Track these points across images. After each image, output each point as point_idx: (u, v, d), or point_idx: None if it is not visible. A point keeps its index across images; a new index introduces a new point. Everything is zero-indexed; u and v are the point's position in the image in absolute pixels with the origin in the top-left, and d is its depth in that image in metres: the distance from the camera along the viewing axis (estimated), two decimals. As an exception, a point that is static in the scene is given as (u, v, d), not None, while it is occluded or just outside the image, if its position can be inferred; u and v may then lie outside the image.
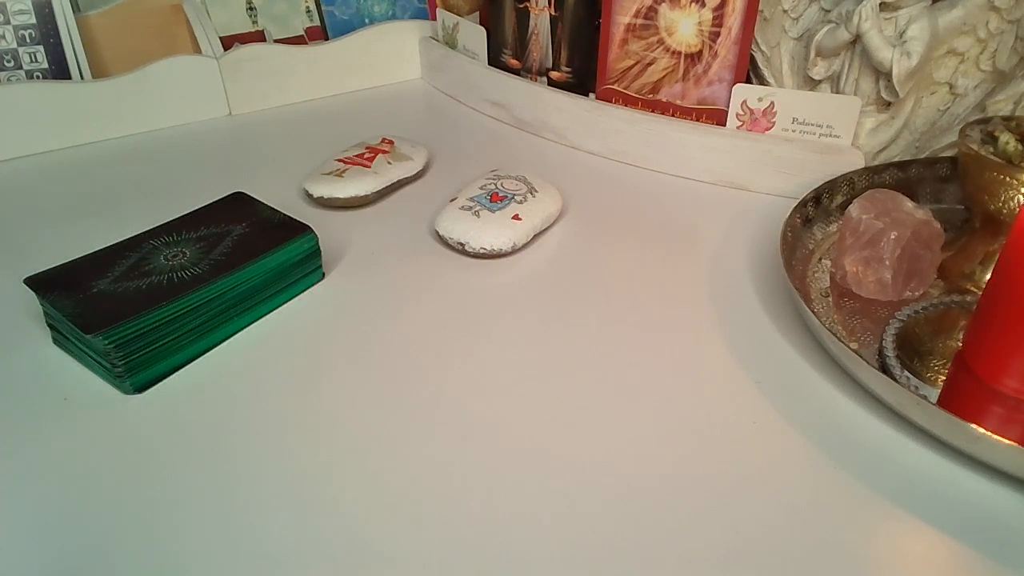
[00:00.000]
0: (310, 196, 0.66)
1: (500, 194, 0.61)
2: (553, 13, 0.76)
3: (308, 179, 0.67)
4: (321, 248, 0.57)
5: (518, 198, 0.61)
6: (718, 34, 0.67)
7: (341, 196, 0.65)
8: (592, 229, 0.64)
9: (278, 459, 0.43)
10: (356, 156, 0.69)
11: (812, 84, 0.67)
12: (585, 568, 0.37)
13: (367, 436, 0.44)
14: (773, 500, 0.40)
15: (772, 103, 0.66)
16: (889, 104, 0.64)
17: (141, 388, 0.47)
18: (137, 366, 0.47)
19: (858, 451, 0.43)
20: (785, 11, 0.67)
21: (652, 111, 0.73)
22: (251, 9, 0.88)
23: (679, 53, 0.70)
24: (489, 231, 0.58)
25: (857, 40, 0.62)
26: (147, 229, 0.55)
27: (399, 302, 0.55)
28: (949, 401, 0.45)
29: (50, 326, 0.51)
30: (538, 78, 0.80)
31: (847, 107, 0.64)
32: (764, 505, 0.40)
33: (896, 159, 0.66)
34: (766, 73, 0.69)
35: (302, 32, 0.91)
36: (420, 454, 0.43)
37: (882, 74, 0.62)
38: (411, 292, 0.56)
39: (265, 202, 0.59)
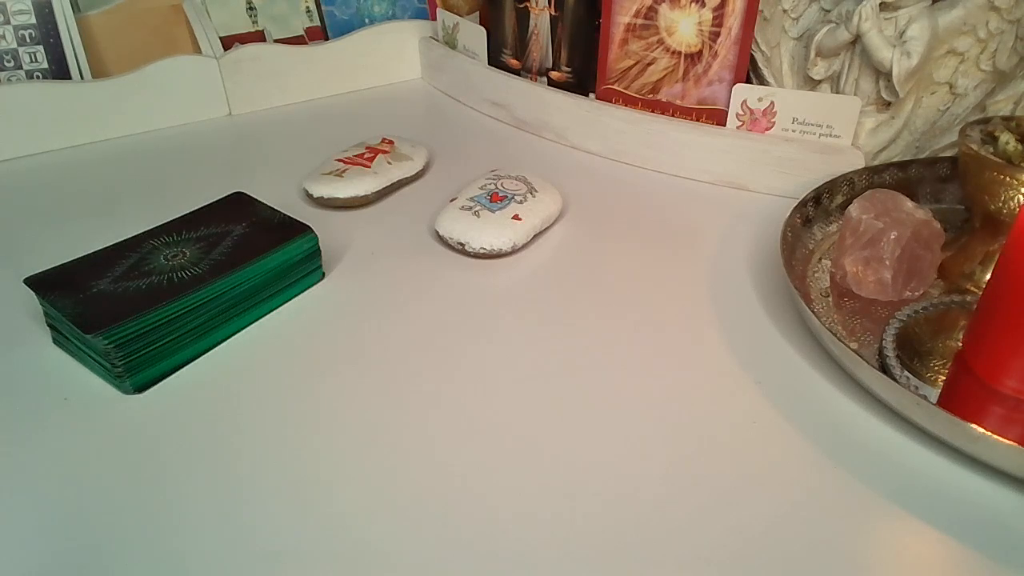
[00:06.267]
0: (310, 196, 0.66)
1: (500, 194, 0.61)
2: (553, 13, 0.76)
3: (308, 179, 0.67)
4: (321, 248, 0.57)
5: (518, 198, 0.61)
6: (718, 34, 0.67)
7: (341, 196, 0.65)
8: (592, 229, 0.64)
9: (278, 459, 0.43)
10: (356, 156, 0.69)
11: (812, 84, 0.67)
12: (585, 568, 0.37)
13: (367, 436, 0.44)
14: (773, 500, 0.40)
15: (772, 103, 0.66)
16: (889, 104, 0.64)
17: (141, 388, 0.47)
18: (137, 366, 0.47)
19: (858, 451, 0.43)
20: (785, 11, 0.67)
21: (652, 111, 0.73)
22: (251, 9, 0.88)
23: (679, 53, 0.70)
24: (489, 231, 0.58)
25: (857, 40, 0.62)
26: (147, 229, 0.55)
27: (399, 302, 0.55)
28: (949, 401, 0.45)
29: (50, 326, 0.51)
30: (538, 78, 0.80)
31: (847, 107, 0.64)
32: (764, 505, 0.40)
33: (896, 159, 0.66)
34: (766, 73, 0.69)
35: (302, 32, 0.91)
36: (420, 454, 0.43)
37: (882, 74, 0.62)
38: (411, 292, 0.56)
39: (265, 202, 0.59)
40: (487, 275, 0.58)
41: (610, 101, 0.75)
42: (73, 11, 0.80)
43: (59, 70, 0.79)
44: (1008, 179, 0.50)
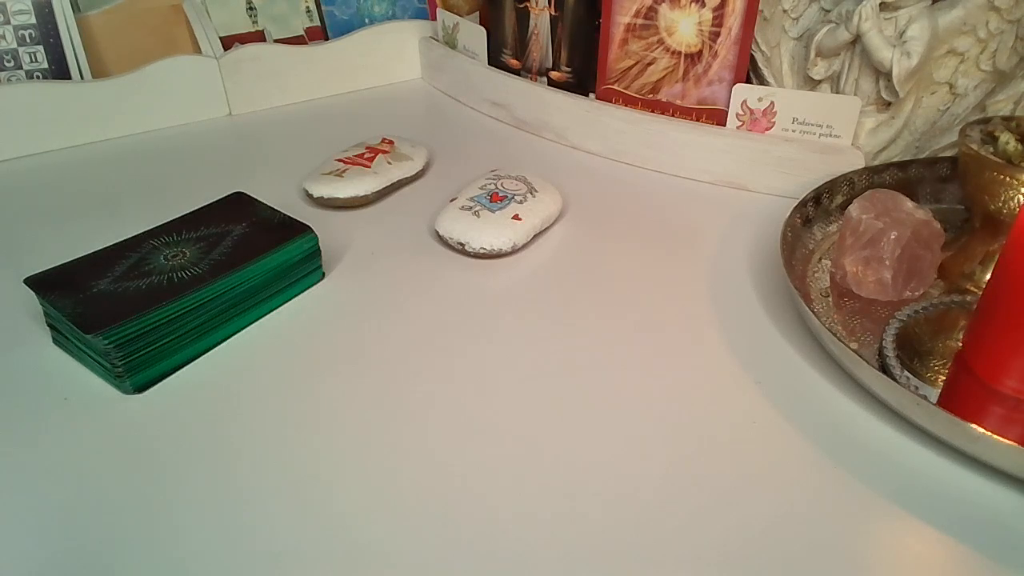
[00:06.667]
0: (310, 196, 0.66)
1: (500, 194, 0.61)
2: (553, 13, 0.76)
3: (308, 179, 0.67)
4: (321, 248, 0.57)
5: (518, 198, 0.61)
6: (718, 34, 0.67)
7: (341, 196, 0.65)
8: (592, 229, 0.64)
9: (278, 459, 0.43)
10: (356, 156, 0.69)
11: (812, 84, 0.67)
12: (585, 568, 0.37)
13: (367, 436, 0.44)
14: (773, 500, 0.40)
15: (772, 103, 0.66)
16: (889, 104, 0.64)
17: (141, 388, 0.47)
18: (137, 366, 0.47)
19: (858, 451, 0.43)
20: (785, 11, 0.67)
21: (652, 111, 0.73)
22: (251, 9, 0.88)
23: (679, 53, 0.70)
24: (489, 231, 0.58)
25: (857, 40, 0.62)
26: (147, 229, 0.55)
27: (399, 302, 0.55)
28: (949, 401, 0.45)
29: (50, 326, 0.51)
30: (538, 78, 0.80)
31: (847, 107, 0.64)
32: (764, 505, 0.40)
33: (896, 159, 0.66)
34: (766, 73, 0.69)
35: (302, 32, 0.91)
36: (420, 454, 0.43)
37: (882, 74, 0.62)
38: (411, 292, 0.56)
39: (265, 202, 0.59)
40: (487, 275, 0.58)
41: (610, 101, 0.75)
42: (73, 11, 0.80)
43: (59, 70, 0.79)
44: (1008, 179, 0.50)
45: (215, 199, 0.59)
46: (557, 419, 0.45)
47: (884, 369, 0.46)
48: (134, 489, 0.41)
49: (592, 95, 0.76)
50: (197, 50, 0.85)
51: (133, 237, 0.54)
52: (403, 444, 0.43)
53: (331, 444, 0.43)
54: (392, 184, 0.69)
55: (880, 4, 0.59)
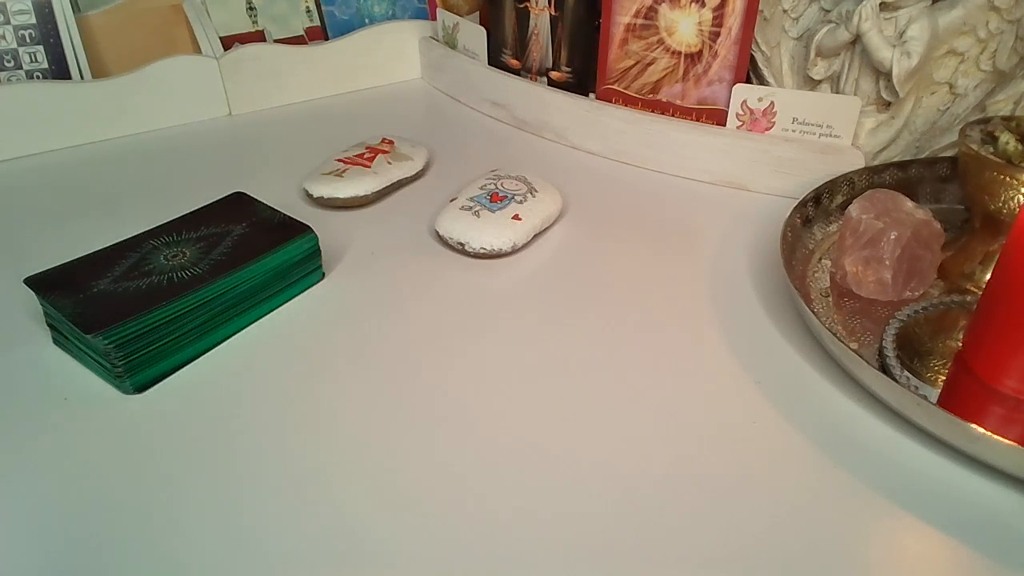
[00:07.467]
0: (310, 196, 0.66)
1: (500, 194, 0.61)
2: (553, 13, 0.76)
3: (308, 179, 0.67)
4: (321, 248, 0.57)
5: (518, 198, 0.61)
6: (718, 34, 0.67)
7: (341, 196, 0.65)
8: (592, 229, 0.64)
9: (278, 459, 0.43)
10: (356, 156, 0.69)
11: (812, 84, 0.67)
12: (585, 568, 0.37)
13: (367, 436, 0.44)
14: (773, 500, 0.40)
15: (772, 103, 0.66)
16: (889, 104, 0.64)
17: (141, 388, 0.47)
18: (137, 366, 0.47)
19: (858, 451, 0.43)
20: (785, 11, 0.67)
21: (652, 111, 0.73)
22: (251, 9, 0.88)
23: (679, 53, 0.70)
24: (489, 231, 0.58)
25: (857, 40, 0.62)
26: (147, 229, 0.55)
27: (399, 302, 0.55)
28: (949, 401, 0.45)
29: (50, 326, 0.51)
30: (538, 78, 0.80)
31: (847, 107, 0.64)
32: (764, 505, 0.40)
33: (896, 159, 0.66)
34: (766, 73, 0.69)
35: (302, 32, 0.91)
36: (420, 454, 0.43)
37: (882, 74, 0.62)
38: (411, 292, 0.56)
39: (265, 202, 0.59)
40: (487, 275, 0.58)
41: (610, 101, 0.75)
42: (73, 11, 0.80)
43: (59, 70, 0.79)
44: (1008, 179, 0.50)
45: (215, 199, 0.59)
46: (557, 419, 0.45)
47: (884, 369, 0.46)
48: (134, 489, 0.41)
49: (592, 95, 0.76)
50: (197, 50, 0.85)
51: (133, 237, 0.54)
52: (403, 444, 0.43)
53: (331, 444, 0.43)
54: (392, 184, 0.69)
55: (880, 4, 0.59)
